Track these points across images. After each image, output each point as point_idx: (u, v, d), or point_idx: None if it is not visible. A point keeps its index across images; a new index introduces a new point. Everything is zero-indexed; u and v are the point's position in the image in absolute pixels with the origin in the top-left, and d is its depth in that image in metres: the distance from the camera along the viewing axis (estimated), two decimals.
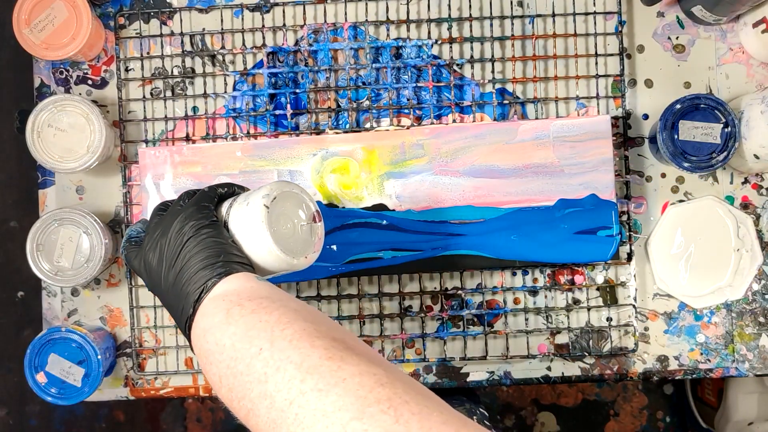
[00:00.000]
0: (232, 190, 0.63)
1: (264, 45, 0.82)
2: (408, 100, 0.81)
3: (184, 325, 0.56)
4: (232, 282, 0.55)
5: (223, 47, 0.82)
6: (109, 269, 0.82)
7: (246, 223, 0.59)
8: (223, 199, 0.62)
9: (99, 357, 0.76)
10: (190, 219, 0.58)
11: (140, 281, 0.81)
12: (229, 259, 0.57)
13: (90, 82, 0.83)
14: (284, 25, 0.82)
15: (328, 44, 0.81)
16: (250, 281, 0.55)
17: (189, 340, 0.56)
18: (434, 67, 0.81)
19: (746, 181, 0.82)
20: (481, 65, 0.82)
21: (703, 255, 0.80)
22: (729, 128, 0.75)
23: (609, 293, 0.81)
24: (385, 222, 0.79)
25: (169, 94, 0.82)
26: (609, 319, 0.81)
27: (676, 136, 0.75)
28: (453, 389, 0.88)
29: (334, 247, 0.78)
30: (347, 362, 0.46)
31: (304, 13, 0.82)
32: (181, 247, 0.57)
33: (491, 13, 0.81)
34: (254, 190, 0.61)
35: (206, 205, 0.59)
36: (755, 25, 0.79)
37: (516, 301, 0.81)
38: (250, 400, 0.48)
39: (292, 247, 0.60)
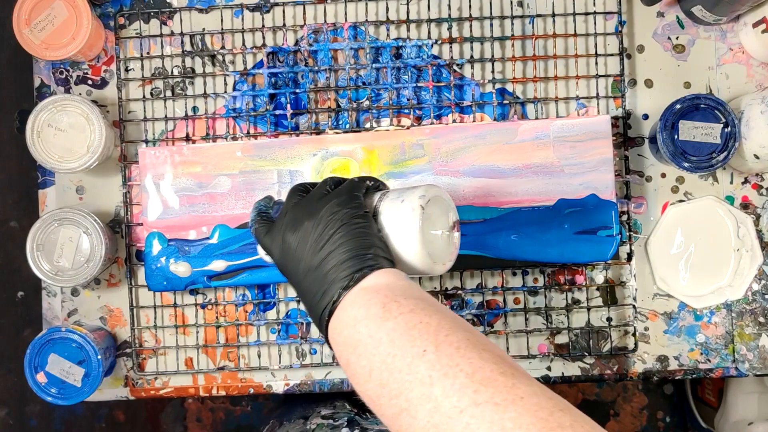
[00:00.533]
0: (377, 185, 0.62)
1: (264, 45, 0.82)
2: (408, 100, 0.81)
3: (323, 310, 0.55)
4: (383, 276, 0.55)
5: (223, 47, 0.82)
6: (109, 269, 0.82)
7: (398, 220, 0.59)
8: (367, 191, 0.62)
9: (99, 357, 0.76)
10: (344, 206, 0.57)
11: (141, 281, 0.81)
12: (379, 253, 0.56)
13: (90, 82, 0.83)
14: (284, 25, 0.82)
15: (328, 44, 0.81)
16: (400, 279, 0.55)
17: (323, 325, 0.55)
18: (434, 67, 0.81)
19: (746, 181, 0.82)
20: (481, 65, 0.82)
21: (703, 255, 0.80)
22: (729, 128, 0.75)
23: (609, 293, 0.81)
24: None
25: (169, 94, 0.82)
26: (609, 319, 0.81)
27: (676, 136, 0.75)
28: None
29: None
30: (521, 381, 0.46)
31: (304, 13, 0.82)
32: (333, 232, 0.56)
33: (491, 13, 0.81)
34: (407, 189, 0.60)
35: (358, 195, 0.59)
36: (755, 25, 0.79)
37: (516, 301, 0.81)
38: (407, 400, 0.47)
39: (432, 252, 0.60)
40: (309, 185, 0.62)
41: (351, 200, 0.58)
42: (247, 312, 0.82)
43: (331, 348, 0.56)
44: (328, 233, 0.56)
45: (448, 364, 0.47)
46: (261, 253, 0.67)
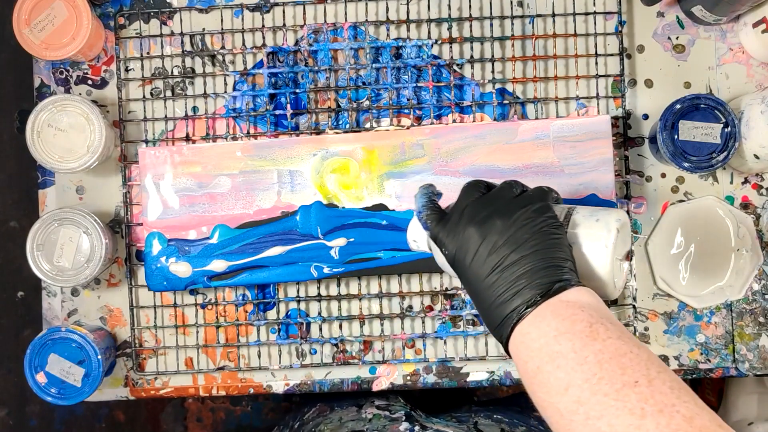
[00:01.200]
0: (557, 198, 0.61)
1: (264, 45, 0.82)
2: (408, 100, 0.81)
3: (512, 311, 0.54)
4: (583, 294, 0.54)
5: (223, 47, 0.82)
6: (109, 269, 0.82)
7: (592, 239, 0.59)
8: None
9: (99, 357, 0.76)
10: (541, 214, 0.56)
11: (141, 281, 0.81)
12: (573, 268, 0.56)
13: (90, 82, 0.83)
14: (284, 25, 0.82)
15: (328, 44, 0.81)
16: (599, 300, 0.55)
17: (508, 326, 0.54)
18: (434, 67, 0.81)
19: (746, 181, 0.82)
20: (481, 65, 0.82)
21: (703, 255, 0.80)
22: (729, 128, 0.75)
23: None
24: (385, 222, 0.79)
25: (169, 94, 0.82)
26: None
27: (676, 136, 0.75)
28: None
29: (335, 248, 0.78)
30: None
31: (304, 13, 0.82)
32: (528, 237, 0.55)
33: (491, 13, 0.81)
34: (597, 209, 0.60)
35: (551, 205, 0.59)
36: (755, 25, 0.79)
37: None
38: (609, 425, 0.47)
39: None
40: (488, 183, 0.62)
41: (547, 209, 0.57)
42: (247, 312, 0.82)
43: (506, 349, 0.56)
44: (522, 236, 0.55)
45: (663, 402, 0.47)
46: (418, 242, 0.66)
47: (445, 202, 0.62)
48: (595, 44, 0.81)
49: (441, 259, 0.62)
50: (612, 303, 0.81)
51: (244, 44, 0.82)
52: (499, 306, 0.55)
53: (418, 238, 0.66)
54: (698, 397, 0.48)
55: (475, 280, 0.56)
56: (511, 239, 0.55)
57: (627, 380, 0.48)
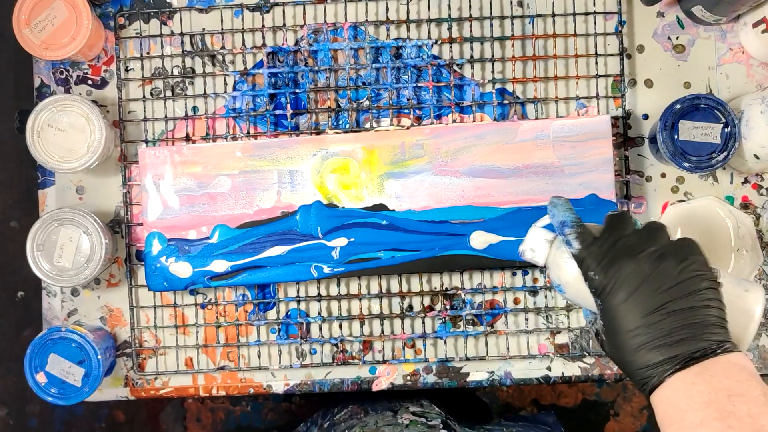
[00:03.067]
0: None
1: (264, 45, 0.82)
2: (408, 100, 0.81)
3: (674, 357, 0.53)
4: (748, 361, 0.54)
5: (223, 47, 0.82)
6: (109, 269, 0.82)
7: (740, 307, 0.58)
8: None
9: (99, 357, 0.76)
10: (706, 268, 0.56)
11: (141, 281, 0.81)
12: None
13: (90, 82, 0.83)
14: (284, 25, 0.82)
15: (328, 44, 0.81)
16: (754, 368, 0.54)
17: (662, 372, 0.53)
18: (434, 67, 0.81)
19: (746, 181, 0.82)
20: (481, 65, 0.82)
21: None
22: (729, 128, 0.75)
23: None
24: (385, 222, 0.79)
25: (169, 94, 0.82)
26: None
27: (676, 136, 0.75)
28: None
29: (335, 247, 0.78)
30: None
31: (304, 13, 0.82)
32: (702, 289, 0.54)
33: (491, 13, 0.81)
34: (743, 280, 0.60)
35: (708, 262, 0.58)
36: (755, 25, 0.79)
37: (516, 301, 0.81)
38: None
39: None
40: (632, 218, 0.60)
41: (709, 267, 0.56)
42: (247, 312, 0.82)
43: (648, 393, 0.55)
44: (694, 286, 0.54)
45: None
46: (536, 253, 0.64)
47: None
48: (595, 44, 0.81)
49: (566, 279, 0.61)
50: None
51: (244, 44, 0.82)
52: (655, 349, 0.54)
53: (537, 249, 0.63)
54: None
55: (630, 316, 0.55)
56: (679, 286, 0.54)
57: None
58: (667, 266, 0.55)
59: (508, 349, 0.80)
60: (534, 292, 0.81)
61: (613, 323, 0.55)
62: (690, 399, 0.52)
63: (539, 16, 0.81)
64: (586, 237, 0.59)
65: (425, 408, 0.85)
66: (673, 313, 0.53)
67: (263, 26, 0.82)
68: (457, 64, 0.81)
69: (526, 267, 0.80)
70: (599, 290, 0.56)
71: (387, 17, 0.82)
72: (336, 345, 0.81)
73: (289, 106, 0.81)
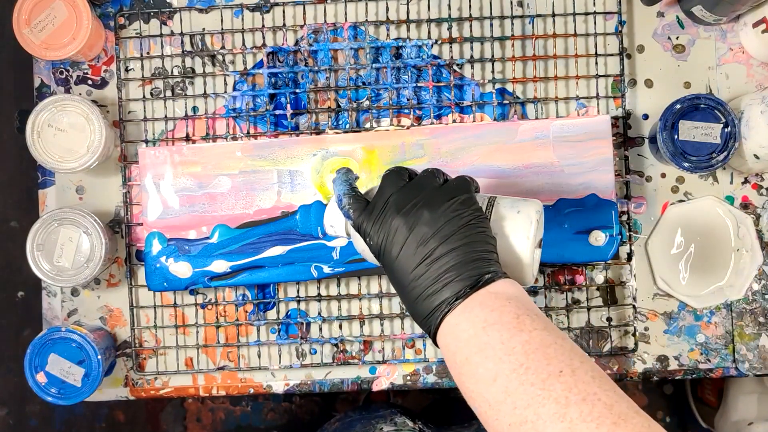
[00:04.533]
0: (476, 189, 0.62)
1: (264, 45, 0.82)
2: (408, 100, 0.81)
3: (442, 303, 0.55)
4: (509, 285, 0.56)
5: (223, 47, 0.82)
6: (109, 269, 0.82)
7: (514, 229, 0.60)
8: None
9: (99, 357, 0.76)
10: (468, 206, 0.57)
11: (141, 281, 0.81)
12: (497, 259, 0.57)
13: (90, 82, 0.83)
14: (284, 25, 0.82)
15: (328, 44, 0.81)
16: (523, 292, 0.56)
17: (437, 318, 0.55)
18: (434, 67, 0.81)
19: (746, 181, 0.82)
20: (481, 65, 0.82)
21: (703, 255, 0.80)
22: (729, 128, 0.75)
23: (609, 293, 0.81)
24: None
25: (169, 94, 0.82)
26: (609, 319, 0.81)
27: (676, 136, 0.75)
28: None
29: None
30: (652, 422, 0.48)
31: (304, 13, 0.82)
32: (456, 229, 0.56)
33: (491, 13, 0.81)
34: (516, 199, 0.62)
35: (474, 196, 0.59)
36: (755, 25, 0.79)
37: None
38: (535, 413, 0.49)
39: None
40: (410, 171, 0.62)
41: (472, 201, 0.58)
42: (247, 312, 0.82)
43: (435, 342, 0.56)
44: (450, 229, 0.56)
45: (586, 391, 0.49)
46: (336, 228, 0.66)
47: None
48: (595, 44, 0.81)
49: (362, 247, 0.62)
50: (612, 302, 0.81)
51: (244, 44, 0.82)
52: (428, 298, 0.56)
53: (335, 224, 0.65)
54: (617, 386, 0.50)
55: (403, 272, 0.57)
56: (440, 231, 0.56)
57: (552, 370, 0.50)
58: (428, 214, 0.56)
59: None
60: (534, 292, 0.81)
61: (394, 283, 0.58)
62: (456, 339, 0.54)
63: (539, 16, 0.81)
64: (359, 204, 0.60)
65: (399, 426, 0.85)
66: (437, 259, 0.55)
67: (263, 26, 0.82)
68: (457, 64, 0.81)
69: None
70: (377, 254, 0.58)
71: (387, 17, 0.82)
72: (336, 345, 0.81)
73: (289, 106, 0.81)
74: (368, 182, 0.79)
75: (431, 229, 0.56)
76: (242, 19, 0.83)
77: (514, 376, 0.50)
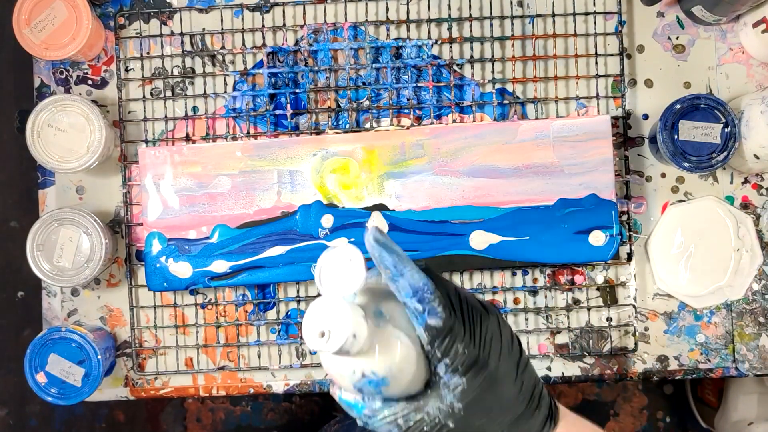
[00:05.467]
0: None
1: (264, 45, 0.82)
2: (408, 100, 0.81)
3: (549, 411, 0.51)
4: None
5: (223, 47, 0.82)
6: (109, 269, 0.82)
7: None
8: None
9: (99, 357, 0.76)
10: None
11: (141, 281, 0.81)
12: None
13: (90, 82, 0.83)
14: (284, 25, 0.82)
15: (328, 44, 0.81)
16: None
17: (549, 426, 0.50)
18: (434, 67, 0.81)
19: (746, 181, 0.82)
20: (481, 65, 0.82)
21: (703, 255, 0.80)
22: (729, 128, 0.75)
23: (609, 293, 0.81)
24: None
25: (169, 94, 0.82)
26: (609, 319, 0.81)
27: (676, 136, 0.75)
28: None
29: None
30: None
31: (304, 13, 0.82)
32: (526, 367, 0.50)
33: (491, 13, 0.81)
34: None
35: None
36: (755, 25, 0.79)
37: (516, 301, 0.81)
38: None
39: None
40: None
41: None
42: (247, 312, 0.82)
43: None
44: (519, 353, 0.50)
45: None
46: (356, 339, 0.45)
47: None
48: (595, 44, 0.81)
49: (401, 364, 0.46)
50: (612, 302, 0.81)
51: (244, 44, 0.82)
52: (538, 408, 0.50)
53: (358, 331, 0.45)
54: None
55: (506, 385, 0.48)
56: (517, 350, 0.50)
57: None
58: (501, 319, 0.49)
59: None
60: (534, 292, 0.81)
61: (482, 402, 0.47)
62: None
63: (539, 16, 0.81)
64: (444, 300, 0.47)
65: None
66: (525, 369, 0.49)
67: (263, 26, 0.82)
68: (457, 64, 0.81)
69: (526, 267, 0.80)
70: (473, 362, 0.46)
71: (387, 17, 0.82)
72: None
73: (289, 106, 0.81)
74: (368, 182, 0.79)
75: (512, 338, 0.49)
76: (242, 19, 0.83)
77: None
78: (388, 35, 0.81)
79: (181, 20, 0.83)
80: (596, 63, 0.81)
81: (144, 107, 0.82)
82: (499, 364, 0.47)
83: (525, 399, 0.48)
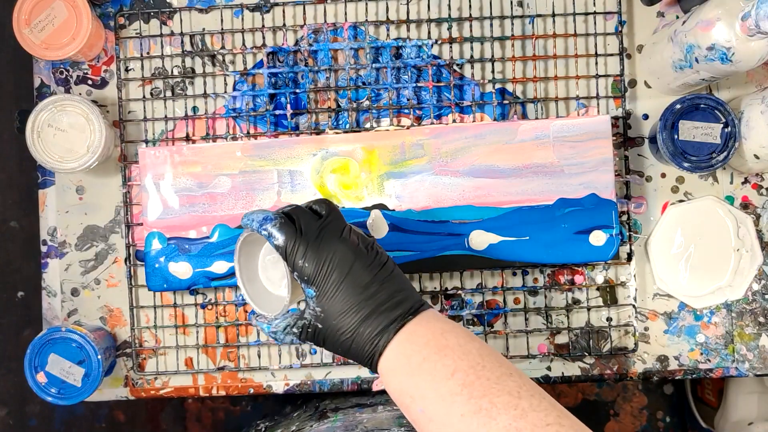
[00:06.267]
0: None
1: (264, 45, 0.82)
2: (408, 100, 0.81)
3: (399, 315, 0.60)
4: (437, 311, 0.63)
5: (223, 47, 0.82)
6: (109, 269, 0.82)
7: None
8: None
9: (99, 357, 0.76)
10: (380, 246, 0.63)
11: (141, 281, 0.81)
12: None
13: (90, 82, 0.83)
14: (284, 25, 0.82)
15: (328, 44, 0.81)
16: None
17: (390, 331, 0.59)
18: (434, 67, 0.81)
19: (746, 181, 0.82)
20: (481, 65, 0.82)
21: (703, 255, 0.80)
22: (729, 128, 0.75)
23: (609, 293, 0.81)
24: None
25: (169, 94, 0.82)
26: (609, 319, 0.81)
27: (676, 136, 0.75)
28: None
29: None
30: (585, 427, 0.56)
31: (304, 13, 0.82)
32: (390, 261, 0.62)
33: (491, 13, 0.81)
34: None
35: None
36: None
37: (516, 301, 0.81)
38: (490, 402, 0.55)
39: None
40: (330, 204, 0.65)
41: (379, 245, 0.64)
42: (247, 312, 0.82)
43: (374, 366, 0.60)
44: (383, 256, 0.62)
45: (534, 389, 0.56)
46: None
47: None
48: (595, 44, 0.81)
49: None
50: (612, 302, 0.81)
51: (244, 44, 0.82)
52: (384, 312, 0.60)
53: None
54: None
55: (353, 291, 0.60)
56: (378, 258, 0.61)
57: (504, 371, 0.57)
58: (364, 243, 0.62)
59: (508, 349, 0.80)
60: (534, 292, 0.81)
61: (335, 305, 0.60)
62: (412, 344, 0.59)
63: (539, 16, 0.81)
64: (290, 228, 0.61)
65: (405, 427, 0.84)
66: (384, 282, 0.60)
67: (263, 26, 0.82)
68: (457, 64, 0.81)
69: (526, 267, 0.80)
70: (313, 277, 0.60)
71: (387, 17, 0.82)
72: None
73: (289, 106, 0.81)
74: (368, 182, 0.79)
75: (370, 256, 0.61)
76: (242, 19, 0.83)
77: (472, 371, 0.56)
78: (388, 35, 0.81)
79: (181, 20, 0.83)
80: (596, 63, 0.81)
81: (144, 107, 0.82)
82: (347, 275, 0.59)
83: (375, 302, 0.59)
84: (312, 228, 0.61)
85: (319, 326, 0.61)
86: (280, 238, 0.61)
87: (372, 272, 0.60)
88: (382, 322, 0.59)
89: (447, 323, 0.60)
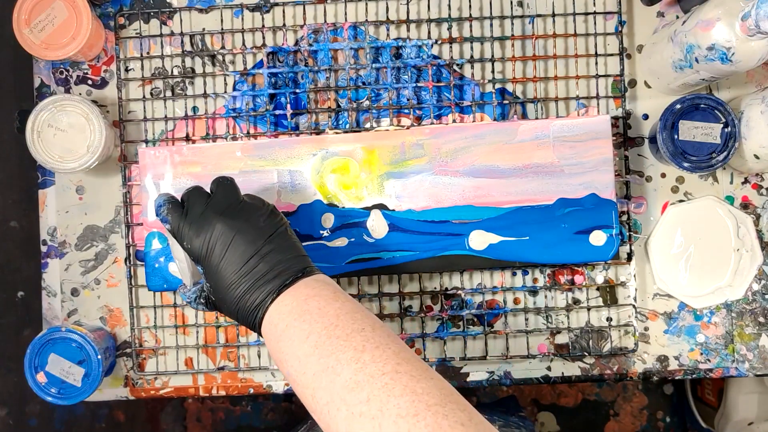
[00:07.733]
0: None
1: (264, 45, 0.82)
2: (408, 100, 0.81)
3: (272, 289, 0.63)
4: (325, 276, 0.66)
5: (223, 47, 0.82)
6: (109, 269, 0.82)
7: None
8: None
9: (99, 357, 0.76)
10: (277, 213, 0.67)
11: (141, 281, 0.81)
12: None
13: (90, 82, 0.83)
14: (284, 25, 0.82)
15: (328, 44, 0.81)
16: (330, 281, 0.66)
17: (270, 299, 0.63)
18: (434, 67, 0.81)
19: (746, 181, 0.82)
20: (481, 65, 0.82)
21: (703, 255, 0.80)
22: (729, 128, 0.75)
23: (609, 293, 0.81)
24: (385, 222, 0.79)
25: (169, 94, 0.82)
26: (609, 319, 0.81)
27: (676, 136, 0.75)
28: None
29: (336, 248, 0.78)
30: (433, 371, 0.58)
31: (304, 13, 0.82)
32: (276, 232, 0.65)
33: (491, 13, 0.81)
34: None
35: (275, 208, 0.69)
36: None
37: (516, 301, 0.81)
38: (336, 359, 0.57)
39: None
40: (225, 179, 0.69)
41: (277, 212, 0.67)
42: None
43: (259, 330, 0.64)
44: (271, 231, 0.65)
45: (381, 341, 0.58)
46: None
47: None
48: (595, 44, 0.81)
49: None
50: (612, 302, 0.81)
51: (244, 44, 0.82)
52: (261, 286, 0.63)
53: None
54: (406, 345, 0.60)
55: (233, 266, 0.64)
56: (264, 231, 0.64)
57: (356, 327, 0.59)
58: (249, 216, 0.65)
59: (507, 349, 0.81)
60: (534, 292, 0.81)
61: (219, 280, 0.64)
62: (279, 313, 0.62)
63: (539, 16, 0.81)
64: (178, 210, 0.66)
65: None
66: (265, 255, 0.63)
67: (263, 26, 0.82)
68: (457, 64, 0.81)
69: (526, 267, 0.80)
70: (198, 255, 0.65)
71: (387, 17, 0.82)
72: None
73: (289, 106, 0.81)
74: (368, 182, 0.79)
75: (256, 229, 0.64)
76: (242, 19, 0.83)
77: (324, 332, 0.59)
78: (388, 35, 0.81)
79: (181, 20, 0.83)
80: (596, 63, 0.81)
81: (144, 107, 0.82)
82: (222, 257, 0.64)
83: (255, 275, 0.63)
84: (196, 209, 0.65)
85: (212, 298, 0.66)
86: (169, 223, 0.66)
87: (255, 245, 0.63)
88: (258, 296, 0.63)
89: (314, 289, 0.62)
